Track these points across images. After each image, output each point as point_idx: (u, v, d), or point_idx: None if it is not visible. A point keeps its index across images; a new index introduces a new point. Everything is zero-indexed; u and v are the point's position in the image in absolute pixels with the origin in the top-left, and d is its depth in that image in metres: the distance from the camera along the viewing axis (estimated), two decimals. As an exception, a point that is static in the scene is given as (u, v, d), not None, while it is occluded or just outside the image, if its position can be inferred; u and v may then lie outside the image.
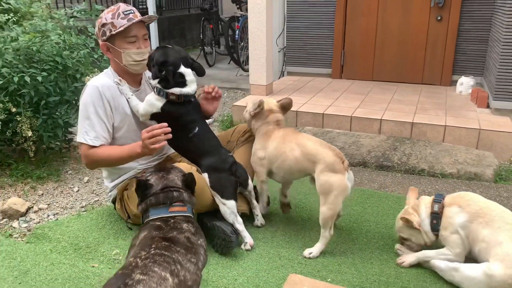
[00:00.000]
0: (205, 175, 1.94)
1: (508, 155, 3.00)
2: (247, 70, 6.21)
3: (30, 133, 2.56)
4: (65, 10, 2.98)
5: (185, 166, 1.88)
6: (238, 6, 6.88)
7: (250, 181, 2.07)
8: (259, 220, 2.14)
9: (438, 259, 1.74)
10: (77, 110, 2.90)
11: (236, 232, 1.91)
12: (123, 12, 1.91)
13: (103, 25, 1.93)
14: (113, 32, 1.90)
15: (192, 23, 8.95)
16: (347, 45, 4.67)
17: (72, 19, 2.96)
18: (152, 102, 1.93)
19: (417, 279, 1.76)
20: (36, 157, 2.89)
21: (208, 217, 1.97)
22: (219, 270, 1.82)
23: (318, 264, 1.86)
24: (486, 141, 3.02)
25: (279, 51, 5.01)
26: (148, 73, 2.11)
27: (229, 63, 6.93)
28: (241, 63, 6.17)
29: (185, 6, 9.48)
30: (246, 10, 6.78)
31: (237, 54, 6.07)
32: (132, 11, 1.93)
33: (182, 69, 1.91)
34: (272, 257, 1.91)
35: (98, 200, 2.54)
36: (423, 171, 2.81)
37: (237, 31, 6.01)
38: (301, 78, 4.85)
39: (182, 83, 1.91)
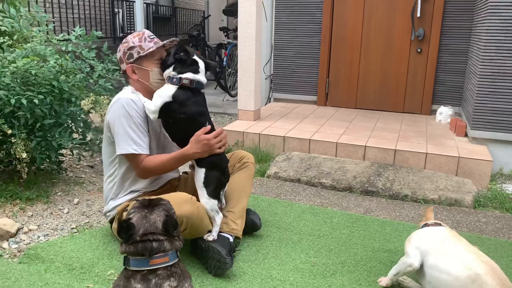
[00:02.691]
0: (202, 170, 2.02)
1: (485, 182, 3.15)
2: (233, 96, 6.36)
3: (24, 155, 2.58)
4: (63, 35, 3.05)
5: (182, 196, 1.91)
6: (225, 33, 7.08)
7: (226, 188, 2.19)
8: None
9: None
10: (71, 133, 2.97)
11: (231, 254, 1.96)
12: (148, 37, 2.08)
13: (131, 48, 2.06)
14: (142, 54, 2.05)
15: (180, 49, 9.11)
16: (331, 74, 4.86)
17: (70, 44, 3.03)
18: (163, 92, 2.00)
19: (404, 299, 1.84)
20: (25, 178, 2.90)
21: (203, 239, 2.02)
22: (213, 291, 1.87)
23: (309, 285, 1.92)
24: (465, 169, 3.18)
25: (266, 78, 5.17)
26: None
27: (215, 88, 7.06)
28: (228, 88, 6.31)
29: (172, 32, 9.67)
30: (233, 37, 7.02)
31: (225, 80, 6.22)
32: (155, 36, 2.12)
33: (196, 58, 2.04)
34: (264, 278, 1.96)
35: (88, 222, 2.55)
36: (406, 196, 2.93)
37: (225, 58, 6.17)
38: (287, 104, 5.00)
39: (196, 70, 2.03)
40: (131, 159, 2.01)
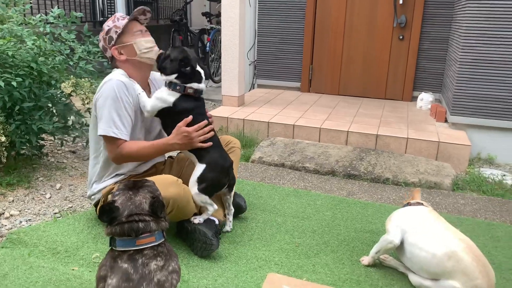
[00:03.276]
0: (202, 166, 2.00)
1: (464, 166, 3.24)
2: (217, 82, 6.32)
3: (3, 139, 2.52)
4: (41, 15, 2.96)
5: (168, 178, 1.90)
6: (208, 19, 7.00)
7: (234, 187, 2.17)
8: (230, 226, 2.21)
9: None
10: (52, 116, 2.91)
11: (217, 235, 1.98)
12: (120, 16, 2.09)
13: (107, 31, 2.06)
14: (119, 31, 2.04)
15: (161, 34, 8.97)
16: (315, 60, 4.87)
17: (48, 25, 2.96)
18: (164, 97, 1.98)
19: (385, 277, 1.89)
20: (5, 163, 2.84)
21: (188, 221, 2.02)
22: (199, 272, 1.88)
23: (294, 265, 1.96)
24: (445, 153, 3.25)
25: (249, 64, 5.15)
26: (155, 81, 2.24)
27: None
28: (212, 74, 6.27)
29: (154, 17, 9.50)
30: (216, 23, 6.95)
31: (208, 66, 6.17)
32: (126, 15, 2.11)
33: (198, 68, 2.03)
34: (250, 259, 1.99)
35: (72, 207, 2.52)
36: (387, 180, 2.99)
37: (208, 43, 6.12)
38: (271, 90, 5.00)
39: (200, 79, 2.03)
40: (109, 142, 1.97)
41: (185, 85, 1.98)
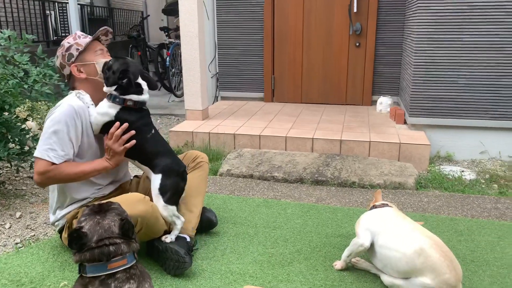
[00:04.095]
0: (158, 176, 1.97)
1: (425, 165, 3.36)
2: (179, 96, 6.27)
3: (-45, 168, 2.39)
4: (-9, 39, 2.85)
5: (135, 196, 1.87)
6: (166, 33, 6.96)
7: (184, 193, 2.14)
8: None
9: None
10: (7, 142, 2.79)
11: (189, 253, 1.95)
12: (82, 35, 2.06)
13: (68, 48, 2.01)
14: (81, 49, 2.00)
15: (119, 51, 8.84)
16: (276, 70, 4.94)
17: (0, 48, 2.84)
18: (105, 110, 1.95)
19: (359, 280, 1.92)
20: (-41, 194, 2.69)
21: (159, 240, 1.98)
22: (173, 292, 1.84)
23: (268, 275, 1.95)
24: (406, 154, 3.37)
25: (212, 77, 5.15)
26: None
27: (159, 90, 6.92)
28: (173, 89, 6.22)
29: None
30: (175, 37, 6.92)
31: (169, 81, 6.11)
32: (87, 35, 2.09)
33: (140, 80, 1.99)
34: (224, 273, 1.97)
35: (34, 235, 2.42)
36: (354, 183, 3.05)
37: (167, 58, 6.07)
38: (235, 102, 5.02)
39: (139, 91, 1.99)
40: (38, 163, 1.90)
41: (124, 97, 1.95)
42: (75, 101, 1.96)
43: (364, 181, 3.05)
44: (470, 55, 3.44)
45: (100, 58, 2.03)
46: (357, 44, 4.67)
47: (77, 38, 2.04)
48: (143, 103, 2.02)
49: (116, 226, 1.39)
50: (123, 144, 1.95)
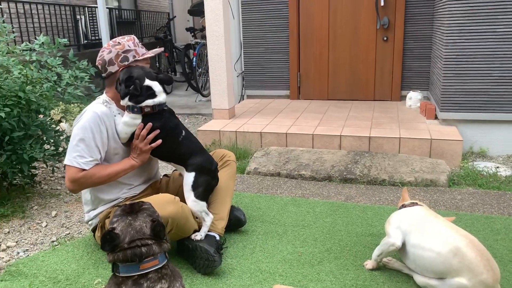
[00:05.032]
0: (192, 173, 2.02)
1: (458, 161, 3.26)
2: (206, 96, 6.32)
3: (-5, 170, 2.49)
4: (26, 44, 2.95)
5: (165, 197, 1.90)
6: (192, 34, 7.03)
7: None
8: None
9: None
10: (43, 144, 2.89)
11: (218, 251, 1.96)
12: (139, 44, 2.09)
13: (126, 51, 2.02)
14: (138, 58, 2.03)
15: (147, 52, 9.01)
16: (302, 68, 4.91)
17: (34, 53, 2.94)
18: (131, 122, 1.97)
19: (391, 280, 1.88)
20: (-2, 194, 2.81)
21: (189, 239, 2.01)
22: (203, 290, 1.86)
23: (298, 275, 1.95)
24: (438, 150, 3.28)
25: (237, 76, 5.17)
26: None
27: (186, 90, 7.01)
28: (200, 88, 6.28)
29: (138, 35, 9.52)
30: (201, 37, 6.98)
31: (196, 81, 6.17)
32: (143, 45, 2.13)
33: (148, 82, 1.96)
34: (254, 272, 1.97)
35: (69, 233, 2.49)
36: (384, 181, 2.99)
37: (194, 58, 6.13)
38: (261, 100, 5.02)
39: (152, 94, 1.97)
40: (69, 170, 1.95)
41: (140, 105, 1.95)
42: (99, 107, 2.00)
43: (395, 179, 2.99)
44: (504, 46, 3.31)
45: None
46: (385, 39, 4.58)
47: (137, 46, 2.05)
48: (161, 105, 2.01)
49: (147, 227, 1.41)
50: (149, 144, 1.99)
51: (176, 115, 2.15)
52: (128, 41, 2.05)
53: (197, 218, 2.08)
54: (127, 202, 1.64)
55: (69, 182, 1.95)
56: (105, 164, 2.03)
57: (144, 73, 1.97)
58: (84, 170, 1.93)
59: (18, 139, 2.67)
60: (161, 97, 2.00)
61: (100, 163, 2.00)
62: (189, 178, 2.03)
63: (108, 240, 1.36)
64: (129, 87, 1.92)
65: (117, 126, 2.02)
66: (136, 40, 2.10)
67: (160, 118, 2.00)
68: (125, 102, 1.97)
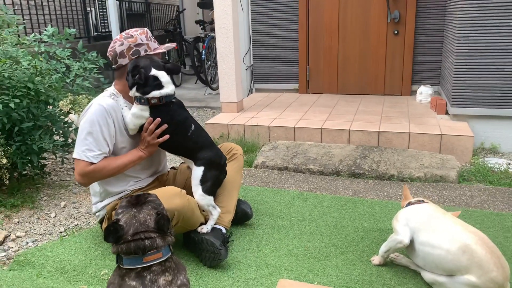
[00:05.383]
0: (201, 168, 2.02)
1: (468, 157, 3.21)
2: (215, 89, 6.31)
3: (4, 161, 2.51)
4: (35, 35, 2.96)
5: (172, 190, 1.89)
6: (201, 26, 7.01)
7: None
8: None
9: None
10: (52, 135, 2.90)
11: (224, 244, 1.96)
12: (152, 37, 2.07)
13: (138, 44, 2.00)
14: (150, 53, 2.01)
15: (156, 45, 9.01)
16: (311, 61, 4.87)
17: (43, 44, 2.95)
18: (139, 113, 1.97)
19: (398, 276, 1.87)
20: (8, 185, 2.83)
21: (195, 231, 2.01)
22: (209, 282, 1.86)
23: (304, 269, 1.94)
24: (448, 145, 3.23)
25: (246, 69, 5.15)
26: None
27: (195, 83, 7.01)
28: (209, 82, 6.27)
29: (148, 28, 9.51)
30: (210, 30, 6.96)
31: (205, 74, 6.16)
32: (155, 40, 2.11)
33: (154, 71, 1.93)
34: (260, 266, 1.97)
35: (77, 224, 2.51)
36: (392, 176, 2.97)
37: (203, 51, 6.12)
38: (270, 94, 4.99)
39: (158, 85, 1.94)
40: (78, 164, 1.95)
41: (147, 96, 1.93)
42: (105, 100, 2.00)
43: (404, 174, 2.96)
44: (518, 41, 3.25)
45: None
46: (396, 32, 4.51)
47: (149, 40, 2.03)
48: (168, 96, 1.98)
49: (152, 220, 1.40)
50: (157, 138, 1.99)
51: (186, 108, 2.13)
52: (141, 34, 2.02)
53: (203, 211, 2.08)
54: (134, 194, 1.65)
55: (79, 176, 1.96)
56: (113, 157, 2.03)
57: (151, 62, 1.94)
58: (93, 163, 1.94)
59: (28, 130, 2.69)
60: (168, 89, 1.97)
61: (109, 156, 2.00)
62: (197, 172, 2.03)
63: (112, 232, 1.36)
64: (134, 77, 1.91)
65: (125, 118, 2.01)
66: (150, 33, 2.07)
67: (168, 111, 1.99)
68: (132, 92, 1.96)
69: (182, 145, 2.05)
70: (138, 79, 1.90)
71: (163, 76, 1.96)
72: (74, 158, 1.98)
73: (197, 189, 2.02)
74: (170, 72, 2.00)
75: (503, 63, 3.33)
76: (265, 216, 2.47)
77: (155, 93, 1.94)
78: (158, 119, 1.96)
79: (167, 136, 1.99)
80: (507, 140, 3.45)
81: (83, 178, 1.96)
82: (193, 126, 2.06)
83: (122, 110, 2.02)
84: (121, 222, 1.39)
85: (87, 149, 1.93)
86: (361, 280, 1.85)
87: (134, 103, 1.99)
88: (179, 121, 2.02)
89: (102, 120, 1.94)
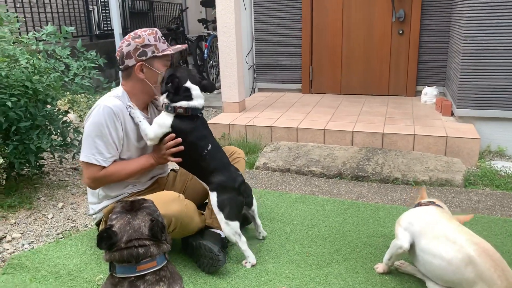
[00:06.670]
0: (214, 193, 1.93)
1: (474, 160, 3.14)
2: (217, 88, 6.25)
3: (1, 161, 2.47)
4: (33, 33, 2.92)
5: (170, 195, 1.85)
6: (204, 25, 6.96)
7: (254, 200, 2.10)
8: (261, 233, 2.20)
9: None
10: (50, 134, 2.86)
11: (223, 250, 1.91)
12: (161, 37, 1.99)
13: (146, 45, 1.94)
14: (157, 54, 1.95)
15: (159, 43, 8.95)
16: (314, 61, 4.80)
17: (41, 42, 2.90)
18: (162, 121, 1.93)
19: (402, 285, 1.81)
20: (5, 185, 2.79)
21: (193, 236, 1.96)
22: (207, 290, 1.81)
23: (305, 277, 1.88)
24: (453, 148, 3.17)
25: (248, 69, 5.09)
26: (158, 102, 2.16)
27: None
28: (211, 81, 6.21)
29: (150, 27, 9.46)
30: (213, 29, 6.90)
31: (207, 73, 6.11)
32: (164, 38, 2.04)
33: (188, 83, 1.93)
34: (260, 272, 1.91)
35: (75, 226, 2.47)
36: (397, 179, 2.90)
37: (205, 50, 6.07)
38: (272, 94, 4.93)
39: (188, 96, 1.93)
40: (88, 168, 1.91)
41: (174, 104, 1.91)
42: (111, 101, 1.93)
43: (408, 177, 2.89)
44: (527, 41, 3.18)
45: (164, 70, 1.99)
46: (400, 32, 4.44)
47: (157, 40, 1.96)
48: (195, 109, 1.95)
49: (146, 227, 1.34)
50: (171, 155, 1.96)
51: (208, 127, 2.07)
52: (149, 35, 1.96)
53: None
54: (131, 198, 1.59)
55: (88, 180, 1.92)
56: (122, 161, 1.99)
57: (188, 75, 1.94)
58: (103, 168, 1.89)
59: (25, 129, 2.64)
60: (196, 102, 1.95)
61: (118, 160, 1.96)
62: (212, 198, 1.94)
63: (105, 238, 1.29)
64: (167, 84, 1.90)
65: (146, 129, 1.95)
66: (159, 34, 2.00)
67: (190, 124, 1.95)
68: (162, 99, 1.95)
69: (196, 165, 1.99)
70: (170, 87, 1.89)
71: (195, 89, 1.95)
72: (82, 161, 1.92)
73: (219, 217, 1.93)
74: (204, 89, 1.98)
75: (510, 64, 3.25)
76: (266, 220, 2.41)
77: (183, 103, 1.92)
78: (179, 139, 1.93)
79: (181, 148, 1.94)
80: (514, 143, 3.38)
81: (93, 182, 1.93)
82: (210, 146, 1.99)
83: (140, 123, 1.96)
84: (114, 228, 1.33)
85: (97, 152, 1.88)
86: (364, 288, 1.79)
87: (162, 112, 1.97)
88: (197, 137, 1.97)
89: (110, 122, 1.89)
